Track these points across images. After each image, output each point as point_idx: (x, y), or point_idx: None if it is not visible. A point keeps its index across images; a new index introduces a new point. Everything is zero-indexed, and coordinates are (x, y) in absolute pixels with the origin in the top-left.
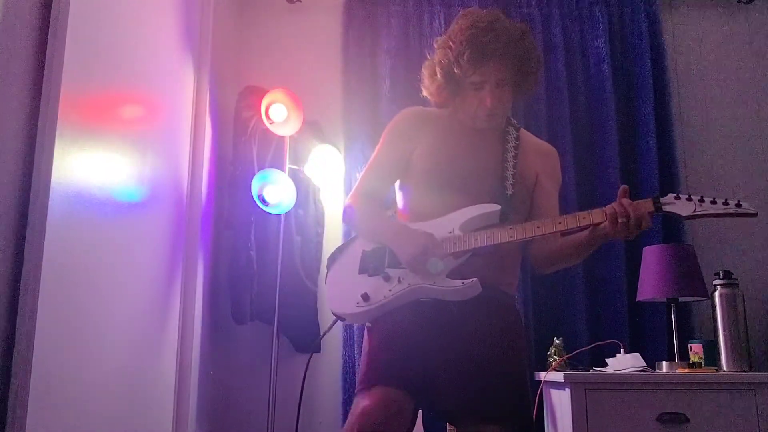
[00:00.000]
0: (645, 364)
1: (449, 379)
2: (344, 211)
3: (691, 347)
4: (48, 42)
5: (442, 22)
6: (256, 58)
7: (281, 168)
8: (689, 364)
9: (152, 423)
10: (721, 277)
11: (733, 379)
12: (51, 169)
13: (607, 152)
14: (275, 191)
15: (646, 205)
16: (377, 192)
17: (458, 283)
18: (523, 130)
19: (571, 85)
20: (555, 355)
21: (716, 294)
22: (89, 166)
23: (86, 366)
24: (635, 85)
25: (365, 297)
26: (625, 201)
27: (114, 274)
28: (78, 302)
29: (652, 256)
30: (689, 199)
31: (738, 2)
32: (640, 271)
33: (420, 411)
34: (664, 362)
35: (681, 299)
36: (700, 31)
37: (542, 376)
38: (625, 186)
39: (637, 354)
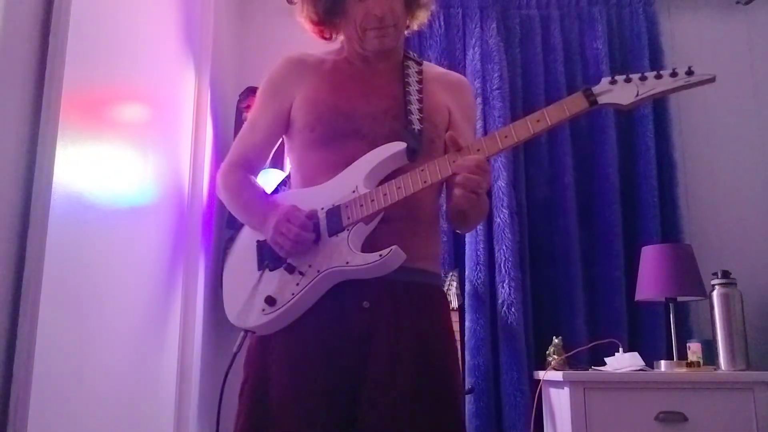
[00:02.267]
0: (643, 364)
1: (374, 415)
2: (216, 187)
3: (689, 346)
4: (49, 42)
5: (442, 23)
6: (256, 58)
7: (281, 168)
8: (687, 363)
9: (153, 423)
10: (719, 277)
11: (731, 378)
12: (52, 169)
13: (606, 153)
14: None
15: (578, 101)
16: (250, 160)
17: (375, 256)
18: (427, 63)
19: (570, 85)
20: (554, 354)
21: (714, 293)
22: (90, 167)
23: (87, 366)
24: None
25: (270, 301)
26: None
27: (115, 274)
28: (79, 303)
29: (650, 256)
30: (628, 80)
31: (737, 3)
32: (639, 271)
33: None
34: (662, 361)
35: (679, 299)
36: (699, 31)
37: (541, 375)
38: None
39: (636, 353)
